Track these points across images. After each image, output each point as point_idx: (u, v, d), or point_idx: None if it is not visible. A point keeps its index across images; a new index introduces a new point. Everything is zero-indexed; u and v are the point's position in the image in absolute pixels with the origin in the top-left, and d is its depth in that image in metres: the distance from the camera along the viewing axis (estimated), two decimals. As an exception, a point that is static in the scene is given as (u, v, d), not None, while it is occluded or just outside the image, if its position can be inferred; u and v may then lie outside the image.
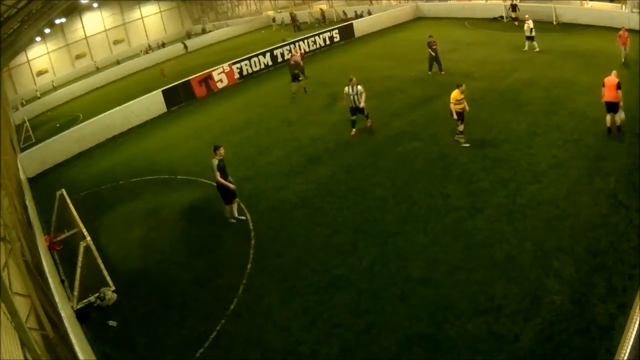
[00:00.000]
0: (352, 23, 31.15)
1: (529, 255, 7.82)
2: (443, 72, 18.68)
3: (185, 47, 46.43)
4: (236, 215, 10.87)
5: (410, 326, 6.96)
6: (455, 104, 11.87)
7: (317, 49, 28.31)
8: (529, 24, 19.52)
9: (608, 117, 11.10)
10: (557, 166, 10.32)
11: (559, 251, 7.78)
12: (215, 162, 10.27)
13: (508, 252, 8.00)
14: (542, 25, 23.80)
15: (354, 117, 14.17)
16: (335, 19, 38.88)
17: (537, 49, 19.28)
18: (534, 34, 19.34)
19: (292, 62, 20.10)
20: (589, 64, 16.43)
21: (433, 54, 18.70)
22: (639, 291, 6.05)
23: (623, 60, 16.06)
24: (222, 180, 10.32)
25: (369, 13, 35.53)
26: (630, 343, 4.26)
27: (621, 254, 7.47)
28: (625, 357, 4.18)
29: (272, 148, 14.76)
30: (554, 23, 23.88)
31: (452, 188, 10.34)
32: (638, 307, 4.69)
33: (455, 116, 11.95)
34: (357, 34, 30.25)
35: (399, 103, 16.17)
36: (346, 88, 14.02)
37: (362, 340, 6.92)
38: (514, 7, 25.68)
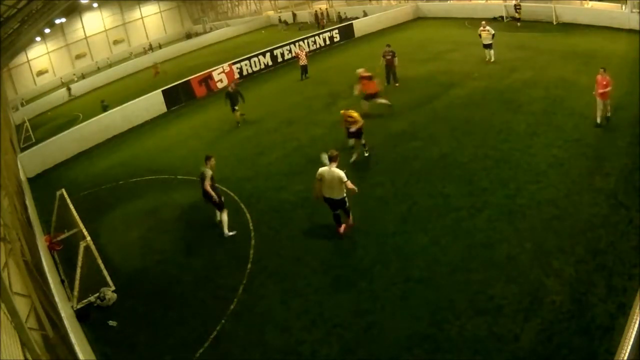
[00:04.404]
0: (352, 23, 31.16)
1: (529, 255, 7.82)
2: (398, 85, 17.98)
3: (69, 90, 37.41)
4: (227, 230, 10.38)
5: (410, 326, 6.95)
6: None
7: (317, 49, 28.34)
8: (489, 30, 18.41)
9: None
10: (557, 166, 10.33)
11: (559, 251, 7.78)
12: (210, 172, 10.08)
13: (508, 252, 8.00)
14: (542, 25, 23.93)
15: (337, 211, 9.43)
16: (335, 19, 38.94)
17: (492, 59, 18.61)
18: (492, 41, 18.49)
19: (230, 89, 17.48)
20: (589, 64, 16.39)
21: (385, 63, 18.00)
22: (639, 291, 6.05)
23: (598, 120, 11.51)
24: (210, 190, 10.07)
25: (366, 14, 35.51)
26: (630, 343, 4.25)
27: (621, 254, 7.47)
28: (625, 357, 4.17)
29: (272, 148, 14.77)
30: (554, 23, 23.90)
31: (452, 188, 10.34)
32: (638, 307, 4.68)
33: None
34: (357, 34, 30.30)
35: (399, 103, 16.15)
36: (326, 169, 8.96)
37: (362, 340, 6.91)
38: (517, 8, 25.39)
